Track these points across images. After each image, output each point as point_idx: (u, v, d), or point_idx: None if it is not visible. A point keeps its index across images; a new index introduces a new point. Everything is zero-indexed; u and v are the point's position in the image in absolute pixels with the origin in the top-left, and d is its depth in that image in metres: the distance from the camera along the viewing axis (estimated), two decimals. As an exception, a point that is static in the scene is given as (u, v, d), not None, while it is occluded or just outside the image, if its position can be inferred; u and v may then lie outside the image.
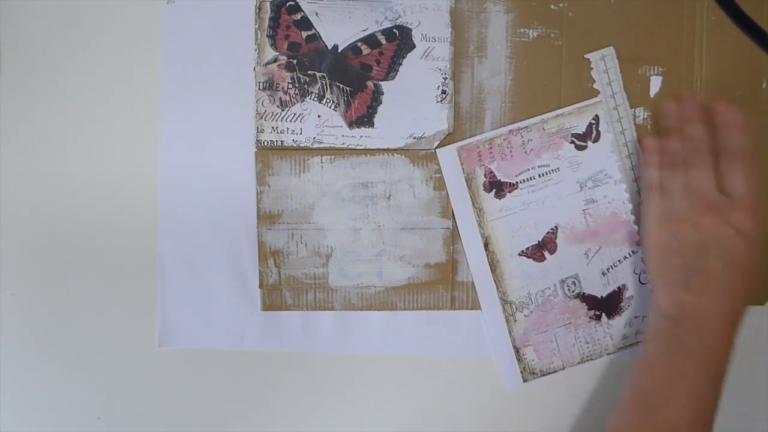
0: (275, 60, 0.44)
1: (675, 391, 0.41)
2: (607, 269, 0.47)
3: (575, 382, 0.47)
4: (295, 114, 0.45)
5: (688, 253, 0.42)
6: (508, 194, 0.46)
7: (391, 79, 0.45)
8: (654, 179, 0.44)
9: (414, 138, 0.45)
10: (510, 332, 0.46)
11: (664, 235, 0.43)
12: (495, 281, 0.46)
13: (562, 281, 0.47)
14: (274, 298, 0.46)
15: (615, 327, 0.47)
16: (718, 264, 0.41)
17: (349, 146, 0.45)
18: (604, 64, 0.45)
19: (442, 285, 0.46)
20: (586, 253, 0.47)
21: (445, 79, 0.45)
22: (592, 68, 0.46)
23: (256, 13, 0.44)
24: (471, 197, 0.46)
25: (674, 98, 0.46)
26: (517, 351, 0.46)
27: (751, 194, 0.42)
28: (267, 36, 0.44)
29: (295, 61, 0.44)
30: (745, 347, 0.47)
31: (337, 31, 0.44)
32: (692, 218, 0.42)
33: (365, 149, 0.45)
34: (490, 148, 0.45)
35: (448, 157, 0.45)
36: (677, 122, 0.45)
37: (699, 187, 0.42)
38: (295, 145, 0.45)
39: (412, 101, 0.45)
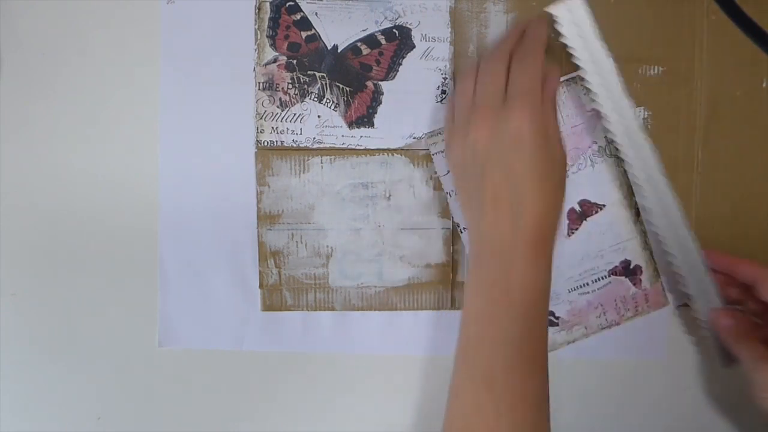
0: (275, 60, 0.44)
1: (484, 335, 0.36)
2: None
3: (570, 382, 0.47)
4: (295, 114, 0.45)
5: (472, 171, 0.37)
6: None
7: (391, 79, 0.45)
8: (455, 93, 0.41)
9: (414, 138, 0.45)
10: None
11: (453, 153, 0.40)
12: None
13: None
14: (274, 299, 0.46)
15: None
16: (497, 177, 0.36)
17: (349, 146, 0.45)
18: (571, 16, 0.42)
19: (442, 285, 0.46)
20: None
21: (445, 79, 0.45)
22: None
23: (255, 14, 0.44)
24: None
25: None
26: None
27: (531, 94, 0.36)
28: (267, 36, 0.44)
29: (294, 62, 0.44)
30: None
31: (337, 31, 0.44)
32: (470, 132, 0.37)
33: (365, 149, 0.45)
34: None
35: None
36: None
37: (482, 96, 0.38)
38: (295, 145, 0.45)
39: (412, 101, 0.45)
